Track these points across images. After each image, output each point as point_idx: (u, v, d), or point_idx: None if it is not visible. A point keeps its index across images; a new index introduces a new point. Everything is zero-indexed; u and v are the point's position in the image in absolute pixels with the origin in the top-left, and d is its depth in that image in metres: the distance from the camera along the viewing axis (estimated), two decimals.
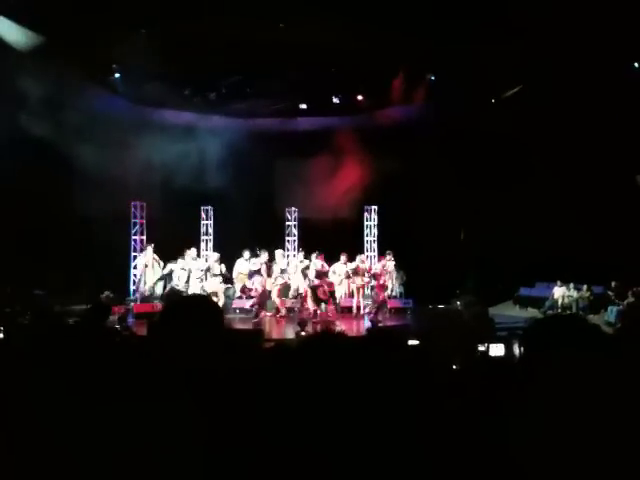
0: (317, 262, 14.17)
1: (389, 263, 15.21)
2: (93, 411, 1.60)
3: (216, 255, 14.79)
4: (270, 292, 14.22)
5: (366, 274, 14.91)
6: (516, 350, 4.65)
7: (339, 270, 14.95)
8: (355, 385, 1.70)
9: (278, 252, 14.60)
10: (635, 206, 13.51)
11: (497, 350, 4.90)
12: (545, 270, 15.10)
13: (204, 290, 13.57)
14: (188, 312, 2.01)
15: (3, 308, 10.38)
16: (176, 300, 2.57)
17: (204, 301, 2.21)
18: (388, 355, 2.08)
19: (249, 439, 1.57)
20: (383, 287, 14.71)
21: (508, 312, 14.71)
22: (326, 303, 13.58)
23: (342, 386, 1.69)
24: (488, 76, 13.84)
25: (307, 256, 14.80)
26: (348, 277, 14.80)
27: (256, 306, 13.61)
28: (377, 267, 15.34)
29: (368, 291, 15.75)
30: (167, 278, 14.42)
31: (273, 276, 14.25)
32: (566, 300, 14.76)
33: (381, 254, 16.43)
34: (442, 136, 14.70)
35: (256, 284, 13.72)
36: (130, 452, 1.55)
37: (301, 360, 1.68)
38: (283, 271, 14.58)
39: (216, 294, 13.59)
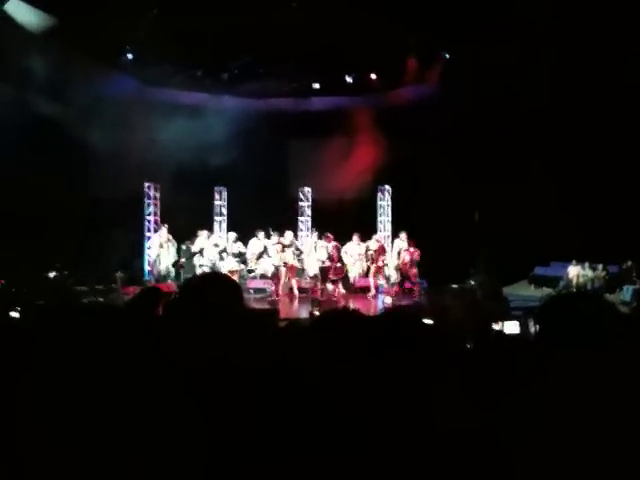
0: (323, 244, 14.21)
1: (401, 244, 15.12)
2: (101, 399, 1.61)
3: (233, 235, 14.83)
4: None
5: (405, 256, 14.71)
6: (532, 328, 4.62)
7: (351, 250, 14.92)
8: (365, 364, 1.70)
9: (288, 233, 14.61)
10: None
11: (512, 327, 4.86)
12: (560, 249, 14.99)
13: (220, 270, 13.64)
14: (208, 289, 2.01)
15: (20, 289, 10.50)
16: (196, 278, 2.57)
17: (224, 279, 2.20)
18: (403, 334, 2.07)
19: (262, 421, 1.57)
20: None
21: (523, 292, 14.65)
22: (333, 283, 13.74)
23: (352, 364, 1.69)
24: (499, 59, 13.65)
25: (320, 237, 14.79)
26: (372, 260, 14.75)
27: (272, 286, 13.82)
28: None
29: (387, 272, 15.73)
30: (186, 259, 14.57)
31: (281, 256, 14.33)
32: (581, 279, 14.66)
33: (394, 234, 16.38)
34: (457, 115, 14.55)
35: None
36: (141, 444, 1.55)
37: (314, 337, 1.68)
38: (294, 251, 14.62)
39: (233, 274, 13.66)
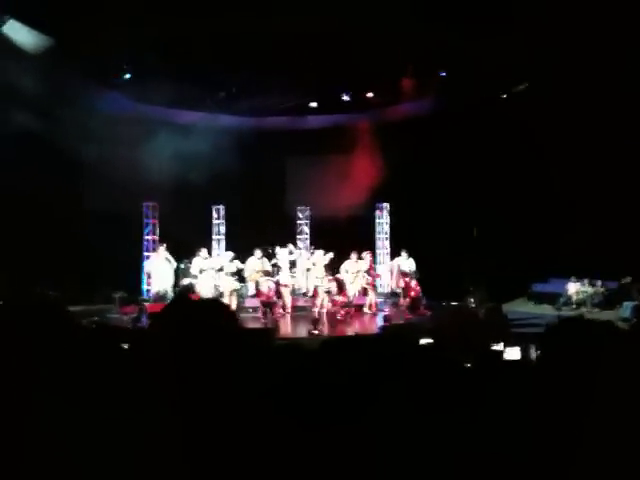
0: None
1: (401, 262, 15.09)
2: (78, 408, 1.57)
3: (230, 254, 14.73)
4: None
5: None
6: (532, 354, 4.57)
7: (351, 268, 14.89)
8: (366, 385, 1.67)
9: (284, 251, 14.61)
10: None
11: (512, 354, 4.78)
12: (559, 265, 14.98)
13: (218, 289, 13.59)
14: (199, 316, 1.95)
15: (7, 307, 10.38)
16: (188, 301, 2.50)
17: (217, 306, 2.12)
18: (401, 355, 2.04)
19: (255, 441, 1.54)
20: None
21: (522, 308, 14.60)
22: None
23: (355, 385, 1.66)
24: (496, 71, 13.70)
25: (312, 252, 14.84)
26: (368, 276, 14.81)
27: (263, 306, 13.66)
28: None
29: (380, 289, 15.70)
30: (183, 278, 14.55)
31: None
32: (580, 296, 14.62)
33: (393, 251, 16.37)
34: (453, 131, 14.62)
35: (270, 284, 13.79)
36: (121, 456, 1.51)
37: (315, 364, 1.65)
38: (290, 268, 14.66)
39: (230, 293, 13.63)
